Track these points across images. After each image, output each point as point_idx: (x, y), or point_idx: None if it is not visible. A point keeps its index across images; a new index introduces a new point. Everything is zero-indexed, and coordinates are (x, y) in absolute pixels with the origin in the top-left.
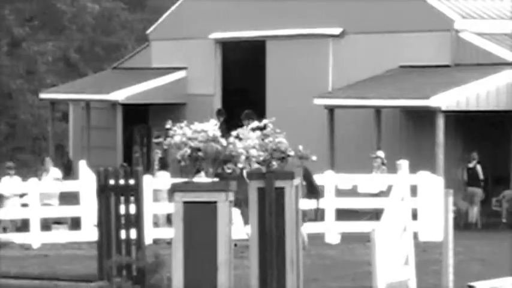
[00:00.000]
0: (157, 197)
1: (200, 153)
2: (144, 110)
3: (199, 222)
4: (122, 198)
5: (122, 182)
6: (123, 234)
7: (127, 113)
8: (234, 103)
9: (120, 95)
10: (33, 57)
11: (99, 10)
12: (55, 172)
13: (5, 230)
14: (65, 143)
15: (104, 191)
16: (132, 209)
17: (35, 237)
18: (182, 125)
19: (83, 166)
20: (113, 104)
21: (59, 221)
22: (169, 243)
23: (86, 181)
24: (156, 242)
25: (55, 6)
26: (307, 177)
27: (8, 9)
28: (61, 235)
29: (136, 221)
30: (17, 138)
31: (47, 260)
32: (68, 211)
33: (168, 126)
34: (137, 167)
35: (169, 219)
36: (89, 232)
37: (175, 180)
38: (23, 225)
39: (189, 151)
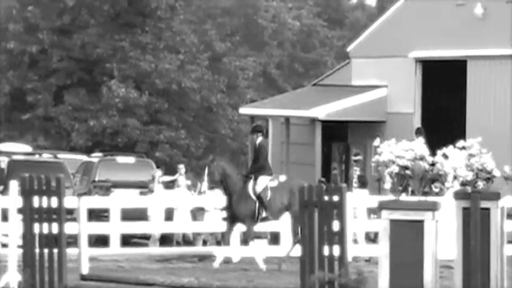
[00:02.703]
0: (355, 214)
1: (408, 172)
2: (344, 127)
3: (406, 240)
4: (325, 215)
5: (325, 198)
6: (326, 250)
7: (326, 129)
8: (433, 122)
9: (320, 112)
10: (233, 72)
11: (299, 26)
12: None
13: (205, 243)
14: None
15: (307, 207)
16: (335, 225)
17: (235, 251)
18: (390, 142)
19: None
20: (312, 120)
21: (258, 236)
22: (368, 260)
23: None
24: (355, 259)
25: (256, 21)
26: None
27: (209, 24)
28: (260, 249)
29: (339, 237)
30: (216, 151)
31: (246, 274)
32: (268, 226)
33: (376, 143)
34: (335, 184)
35: (368, 236)
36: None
37: (373, 198)
38: (223, 239)
39: (397, 169)
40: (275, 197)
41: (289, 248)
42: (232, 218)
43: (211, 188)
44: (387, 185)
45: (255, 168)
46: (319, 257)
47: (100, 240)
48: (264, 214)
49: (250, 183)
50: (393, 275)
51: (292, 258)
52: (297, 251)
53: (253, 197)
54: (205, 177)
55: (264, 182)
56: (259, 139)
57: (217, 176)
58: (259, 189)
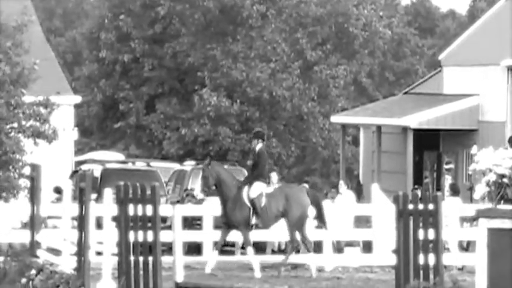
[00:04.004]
0: (447, 222)
1: (505, 180)
2: (435, 136)
3: (504, 249)
4: (421, 223)
5: (421, 206)
6: (421, 259)
7: (418, 138)
8: None
9: (412, 120)
10: (325, 81)
11: (390, 35)
12: (349, 195)
13: (298, 251)
14: (354, 167)
15: (402, 216)
16: (431, 234)
17: (328, 260)
18: (488, 151)
19: (375, 190)
20: (404, 129)
21: (350, 244)
22: (461, 269)
23: (379, 205)
24: (447, 268)
25: (347, 30)
26: (316, 203)
27: (301, 32)
28: (354, 258)
29: (434, 246)
30: (307, 160)
31: (339, 282)
32: (360, 234)
33: (473, 151)
34: (427, 192)
35: (460, 245)
36: (382, 256)
37: (466, 206)
38: (316, 247)
39: (494, 177)
40: (270, 203)
41: (288, 253)
42: (227, 225)
43: (204, 191)
44: (476, 195)
45: (253, 176)
46: (414, 266)
47: (191, 249)
48: (253, 221)
49: (245, 189)
50: (491, 284)
51: (385, 267)
52: (294, 257)
53: (248, 203)
54: (199, 181)
55: (259, 188)
56: (259, 145)
57: (212, 181)
58: (253, 195)
